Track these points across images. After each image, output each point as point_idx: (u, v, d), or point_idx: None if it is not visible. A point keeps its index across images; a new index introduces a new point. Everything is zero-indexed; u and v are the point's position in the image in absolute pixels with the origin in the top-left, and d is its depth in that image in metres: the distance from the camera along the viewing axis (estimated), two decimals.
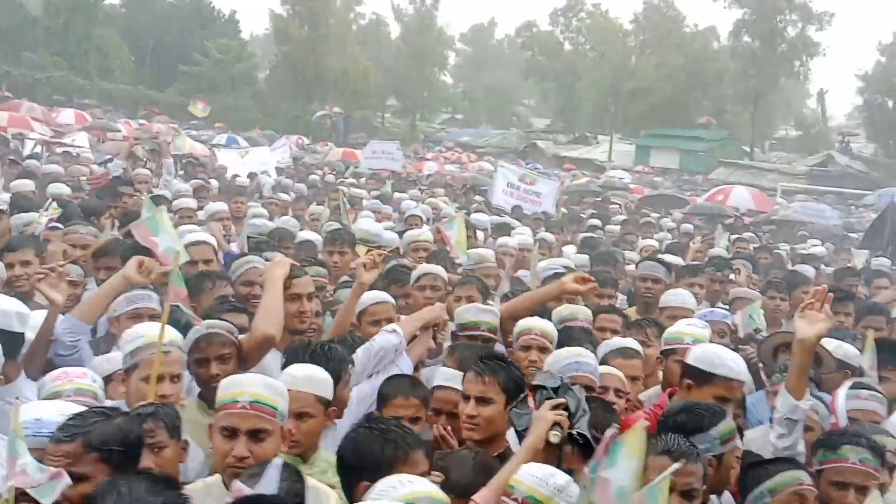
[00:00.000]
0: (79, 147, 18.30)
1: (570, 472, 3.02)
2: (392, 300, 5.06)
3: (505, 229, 10.61)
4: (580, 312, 5.46)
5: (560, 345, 4.54)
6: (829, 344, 4.82)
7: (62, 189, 9.17)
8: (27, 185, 9.88)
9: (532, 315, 4.84)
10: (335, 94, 59.94)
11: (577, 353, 4.18)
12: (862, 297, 8.20)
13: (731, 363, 3.98)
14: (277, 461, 2.67)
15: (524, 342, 4.61)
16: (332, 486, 3.15)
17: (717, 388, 3.89)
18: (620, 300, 7.33)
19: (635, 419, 4.08)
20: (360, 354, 4.25)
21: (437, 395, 3.98)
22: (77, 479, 2.56)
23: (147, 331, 3.68)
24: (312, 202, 12.48)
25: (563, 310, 5.46)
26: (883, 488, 3.69)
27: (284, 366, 3.67)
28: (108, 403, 3.46)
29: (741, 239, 12.68)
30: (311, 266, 5.70)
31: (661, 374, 4.83)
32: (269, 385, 3.14)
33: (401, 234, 8.65)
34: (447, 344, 4.90)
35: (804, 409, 3.71)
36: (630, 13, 67.73)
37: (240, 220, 9.18)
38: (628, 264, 8.99)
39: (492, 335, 4.84)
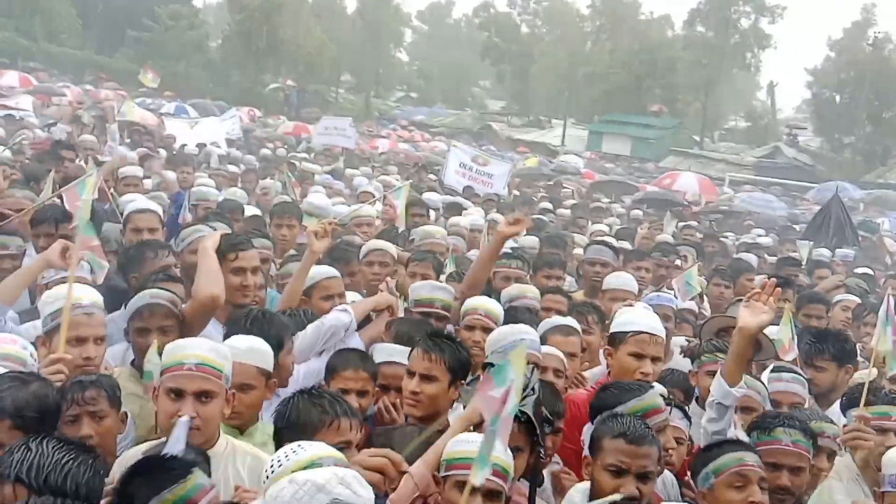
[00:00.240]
0: (22, 110, 17.84)
1: (514, 449, 3.02)
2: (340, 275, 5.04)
3: (456, 209, 10.61)
4: (528, 291, 5.49)
5: (506, 324, 4.52)
6: (768, 330, 4.89)
7: (4, 154, 8.92)
8: None
9: (487, 280, 4.88)
10: (289, 66, 59.15)
11: (520, 331, 4.18)
12: (802, 286, 8.36)
13: (641, 319, 4.14)
14: (184, 419, 2.63)
15: (469, 322, 4.62)
16: None
17: (629, 344, 4.03)
18: (570, 283, 7.38)
19: (577, 397, 4.13)
20: (309, 331, 4.23)
21: (384, 371, 3.97)
22: None
23: (65, 292, 3.59)
24: (262, 175, 12.34)
25: (512, 289, 5.49)
26: (821, 473, 3.77)
27: (226, 336, 3.62)
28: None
29: (688, 226, 12.87)
30: (256, 238, 5.62)
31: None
32: (215, 348, 3.15)
33: None
34: None
35: (736, 396, 3.74)
36: None
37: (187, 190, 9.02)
38: (577, 248, 9.06)
39: (445, 312, 4.85)
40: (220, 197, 8.54)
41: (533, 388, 3.21)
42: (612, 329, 4.26)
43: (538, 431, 3.17)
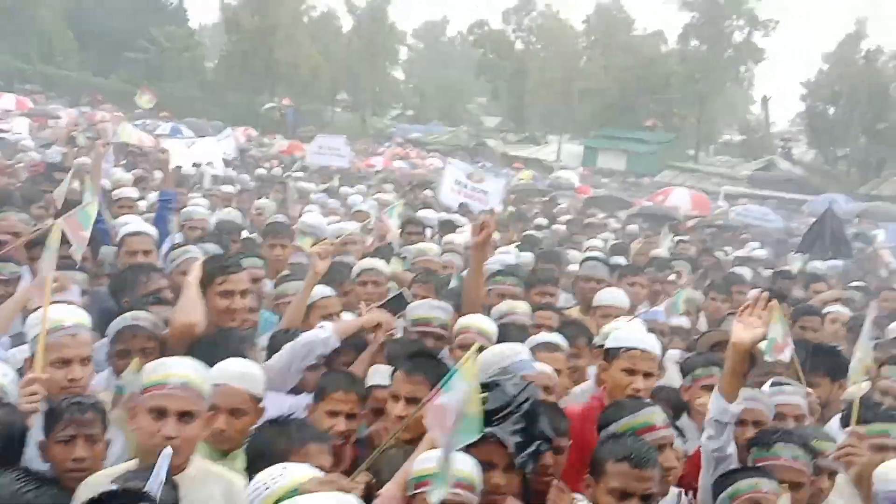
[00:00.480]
0: (17, 133, 17.87)
1: (488, 464, 3.06)
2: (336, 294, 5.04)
3: (450, 227, 10.59)
4: (518, 307, 5.49)
5: (499, 341, 4.51)
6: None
7: None
8: None
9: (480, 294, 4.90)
10: (285, 86, 59.37)
11: (515, 351, 4.14)
12: (797, 300, 8.36)
13: (633, 335, 4.16)
14: (168, 451, 2.63)
15: (461, 341, 4.57)
16: None
17: (622, 360, 4.03)
18: (565, 299, 7.38)
19: (570, 410, 4.13)
20: (286, 350, 4.21)
21: (377, 395, 3.94)
22: None
23: (52, 314, 3.58)
24: (257, 195, 12.34)
25: (502, 306, 5.49)
26: (823, 493, 3.77)
27: (188, 355, 3.57)
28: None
29: (683, 241, 12.88)
30: (247, 258, 5.62)
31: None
32: (198, 369, 3.14)
33: None
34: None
35: (733, 413, 3.72)
36: (581, 14, 68.29)
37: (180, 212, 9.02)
38: (572, 264, 9.04)
39: (443, 332, 4.81)
40: (210, 216, 8.55)
41: (518, 406, 3.21)
42: (606, 345, 4.26)
43: (510, 450, 3.14)
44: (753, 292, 8.21)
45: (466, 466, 2.93)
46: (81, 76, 52.70)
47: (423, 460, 2.96)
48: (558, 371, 4.52)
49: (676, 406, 4.43)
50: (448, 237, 9.17)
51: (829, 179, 43.46)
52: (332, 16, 68.14)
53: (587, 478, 3.27)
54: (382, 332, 4.57)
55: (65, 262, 4.76)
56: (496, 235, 10.27)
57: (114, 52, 56.26)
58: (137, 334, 3.83)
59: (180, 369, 3.08)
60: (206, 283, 4.20)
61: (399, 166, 28.68)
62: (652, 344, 4.12)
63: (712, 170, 47.59)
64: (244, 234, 8.00)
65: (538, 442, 3.22)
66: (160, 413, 3.00)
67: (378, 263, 6.18)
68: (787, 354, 4.43)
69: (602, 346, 4.47)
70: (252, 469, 3.00)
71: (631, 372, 4.00)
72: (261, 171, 19.47)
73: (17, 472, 2.36)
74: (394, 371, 3.77)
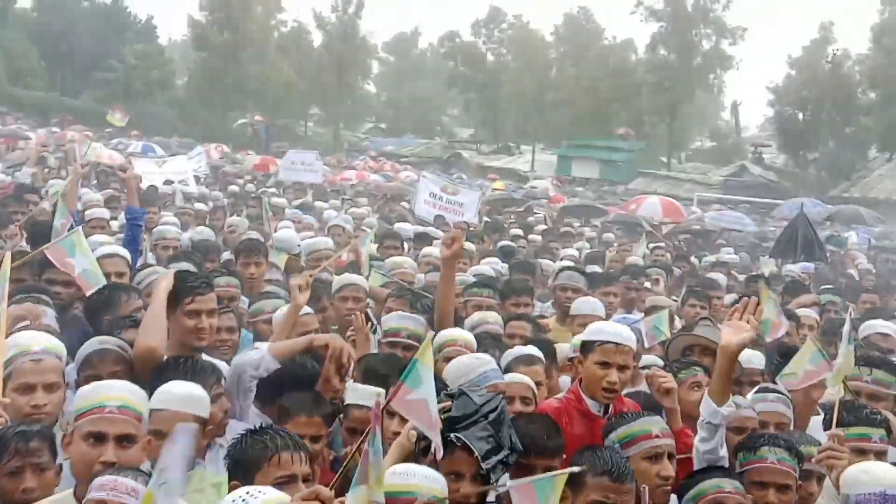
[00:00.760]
0: None
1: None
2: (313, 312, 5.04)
3: (426, 239, 10.58)
4: (490, 317, 5.56)
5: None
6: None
7: None
8: None
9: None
10: (257, 101, 59.17)
11: (483, 361, 4.17)
12: None
13: (608, 328, 4.22)
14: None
15: (447, 353, 4.56)
16: None
17: (596, 353, 4.06)
18: (541, 308, 7.39)
19: (547, 406, 4.19)
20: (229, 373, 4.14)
21: (354, 414, 3.89)
22: None
23: (19, 340, 3.53)
24: (229, 212, 12.27)
25: (474, 317, 5.55)
26: (812, 497, 3.81)
27: (152, 380, 3.54)
28: None
29: (658, 247, 12.94)
30: (221, 276, 5.57)
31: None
32: (134, 391, 3.07)
33: None
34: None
35: (724, 415, 3.78)
36: (551, 25, 68.49)
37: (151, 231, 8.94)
38: (546, 274, 9.06)
39: (413, 342, 4.79)
40: (181, 235, 8.48)
41: (485, 416, 3.20)
42: (581, 338, 4.32)
43: (477, 454, 3.14)
44: (731, 297, 8.30)
45: (437, 484, 2.88)
46: (50, 96, 52.24)
47: (392, 474, 2.86)
48: (538, 384, 4.52)
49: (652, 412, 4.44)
50: (425, 250, 9.17)
51: (800, 183, 43.85)
52: (303, 30, 68.01)
53: (565, 490, 3.25)
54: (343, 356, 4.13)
55: (33, 287, 4.71)
56: (472, 247, 10.30)
57: (83, 71, 55.92)
58: (105, 358, 3.77)
59: (118, 391, 3.01)
60: (174, 302, 4.12)
61: (374, 179, 28.64)
62: (627, 337, 4.14)
63: (685, 176, 47.94)
64: (224, 255, 7.92)
65: (507, 452, 3.21)
66: (98, 438, 2.92)
67: (358, 279, 6.18)
68: (783, 332, 4.72)
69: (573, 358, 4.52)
70: (230, 476, 2.97)
71: (606, 365, 4.01)
72: (234, 187, 19.36)
73: None
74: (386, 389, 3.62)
